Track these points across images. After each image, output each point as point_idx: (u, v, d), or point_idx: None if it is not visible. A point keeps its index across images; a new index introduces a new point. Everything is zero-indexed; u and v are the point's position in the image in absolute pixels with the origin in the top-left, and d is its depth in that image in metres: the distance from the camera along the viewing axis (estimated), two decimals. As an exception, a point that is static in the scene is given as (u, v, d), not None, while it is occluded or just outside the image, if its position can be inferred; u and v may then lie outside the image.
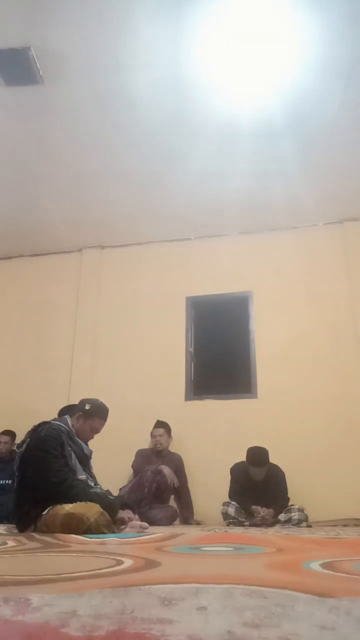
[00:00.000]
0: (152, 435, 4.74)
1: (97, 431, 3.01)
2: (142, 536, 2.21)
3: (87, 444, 2.98)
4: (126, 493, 4.16)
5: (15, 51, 3.42)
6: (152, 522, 3.63)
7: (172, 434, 4.78)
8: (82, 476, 2.75)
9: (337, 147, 4.38)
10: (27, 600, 0.71)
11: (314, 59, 3.53)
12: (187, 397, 5.27)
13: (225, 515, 4.06)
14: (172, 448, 4.78)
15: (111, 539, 2.00)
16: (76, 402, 3.18)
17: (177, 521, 4.38)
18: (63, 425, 2.86)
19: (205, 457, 4.82)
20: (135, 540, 1.99)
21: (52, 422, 2.87)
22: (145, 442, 4.82)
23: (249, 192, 5.01)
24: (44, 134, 4.27)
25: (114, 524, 2.49)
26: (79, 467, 2.78)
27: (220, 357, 5.78)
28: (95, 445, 3.09)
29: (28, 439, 2.79)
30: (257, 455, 4.11)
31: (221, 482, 4.27)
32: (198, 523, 4.45)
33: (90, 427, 2.95)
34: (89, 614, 0.63)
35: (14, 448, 4.38)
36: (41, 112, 4.02)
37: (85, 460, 2.90)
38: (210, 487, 4.56)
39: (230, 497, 4.17)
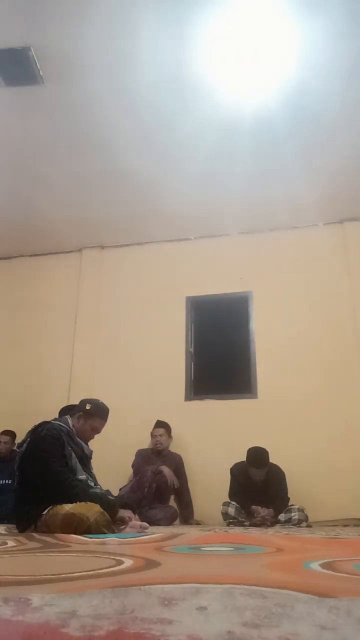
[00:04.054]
0: (152, 435, 4.74)
1: (98, 431, 3.01)
2: (142, 536, 2.21)
3: (87, 444, 2.99)
4: (126, 493, 4.16)
5: (15, 51, 3.42)
6: (152, 522, 3.63)
7: (172, 434, 4.78)
8: (82, 476, 2.75)
9: (337, 147, 4.38)
10: (27, 600, 0.71)
11: (315, 59, 3.53)
12: (187, 397, 5.27)
13: (225, 515, 4.06)
14: (172, 448, 4.78)
15: (111, 539, 2.00)
16: (76, 402, 3.19)
17: (177, 521, 4.38)
18: (63, 425, 2.86)
19: (205, 457, 4.82)
20: (135, 540, 1.99)
21: (53, 422, 2.88)
22: (145, 442, 4.82)
23: (249, 192, 5.01)
24: (44, 134, 4.27)
25: (114, 524, 2.49)
26: (79, 467, 2.78)
27: (220, 357, 5.78)
28: (96, 445, 3.09)
29: (28, 439, 2.79)
30: (257, 456, 4.11)
31: (221, 482, 4.27)
32: (198, 523, 4.45)
33: (91, 427, 2.96)
34: (89, 614, 0.63)
35: (14, 448, 4.38)
36: (41, 112, 4.02)
37: (85, 460, 2.91)
38: (210, 487, 4.56)
39: (230, 497, 4.17)
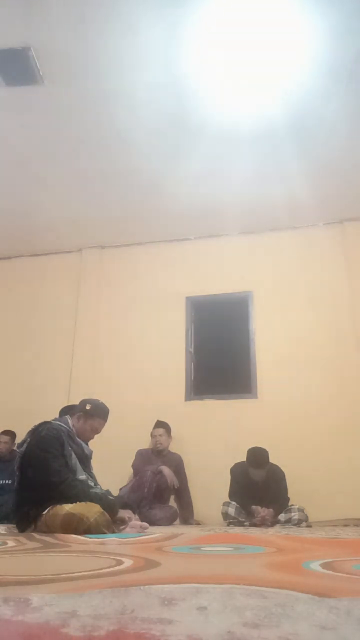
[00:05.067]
0: (152, 435, 4.74)
1: (98, 431, 3.01)
2: (142, 536, 2.21)
3: (87, 444, 2.99)
4: (126, 493, 4.16)
5: (15, 51, 3.42)
6: (152, 522, 3.63)
7: (172, 434, 4.77)
8: (82, 476, 2.75)
9: (337, 148, 4.38)
10: (27, 600, 0.71)
11: (314, 59, 3.52)
12: (187, 397, 5.27)
13: (225, 515, 4.06)
14: (172, 448, 4.77)
15: (111, 539, 2.00)
16: (76, 402, 3.19)
17: (177, 521, 4.38)
18: (63, 425, 2.86)
19: (205, 457, 4.82)
20: (135, 540, 1.99)
21: (53, 422, 2.88)
22: (145, 442, 4.82)
23: (249, 192, 5.01)
24: (44, 134, 4.27)
25: (114, 524, 2.50)
26: (79, 467, 2.78)
27: (220, 357, 5.78)
28: (96, 445, 3.09)
29: (28, 439, 2.79)
30: (257, 457, 4.11)
31: (221, 482, 4.27)
32: (198, 523, 4.45)
33: (91, 427, 2.96)
34: (89, 614, 0.63)
35: (14, 448, 4.38)
36: (41, 112, 4.01)
37: (85, 460, 2.91)
38: (210, 487, 4.56)
39: (230, 497, 4.17)
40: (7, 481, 4.51)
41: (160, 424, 4.74)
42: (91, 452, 3.01)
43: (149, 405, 5.08)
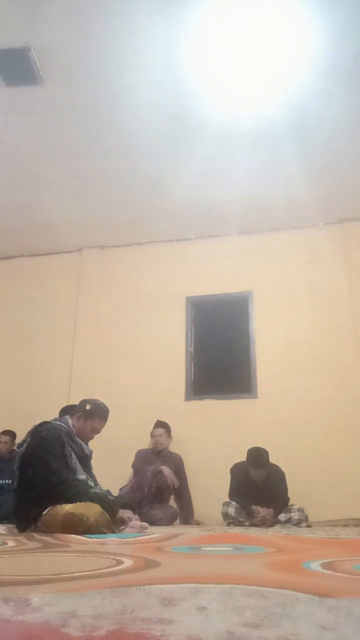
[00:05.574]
0: (152, 435, 4.74)
1: (98, 431, 3.01)
2: (142, 536, 2.21)
3: (87, 444, 2.99)
4: (126, 493, 4.16)
5: (15, 51, 3.42)
6: (152, 522, 3.63)
7: (172, 434, 4.78)
8: (82, 476, 2.75)
9: (337, 148, 4.38)
10: (27, 600, 0.71)
11: (314, 59, 3.52)
12: (187, 397, 5.27)
13: (225, 515, 4.06)
14: (172, 448, 4.78)
15: (111, 539, 2.00)
16: (76, 402, 3.19)
17: (177, 521, 4.38)
18: (63, 425, 2.86)
19: (205, 457, 4.82)
20: (135, 540, 1.99)
21: (53, 422, 2.88)
22: (145, 442, 4.82)
23: (249, 192, 5.01)
24: (44, 134, 4.27)
25: (114, 524, 2.49)
26: (79, 467, 2.78)
27: (220, 357, 5.78)
28: (96, 445, 3.09)
29: (28, 439, 2.79)
30: (257, 457, 4.11)
31: (221, 482, 4.27)
32: (198, 523, 4.45)
33: (91, 427, 2.96)
34: (89, 614, 0.63)
35: (14, 448, 4.38)
36: (41, 112, 4.02)
37: (85, 460, 2.91)
38: (210, 487, 4.56)
39: (230, 497, 4.17)
40: (7, 481, 4.51)
41: (160, 424, 4.74)
42: (91, 452, 3.01)
43: (149, 405, 5.08)
